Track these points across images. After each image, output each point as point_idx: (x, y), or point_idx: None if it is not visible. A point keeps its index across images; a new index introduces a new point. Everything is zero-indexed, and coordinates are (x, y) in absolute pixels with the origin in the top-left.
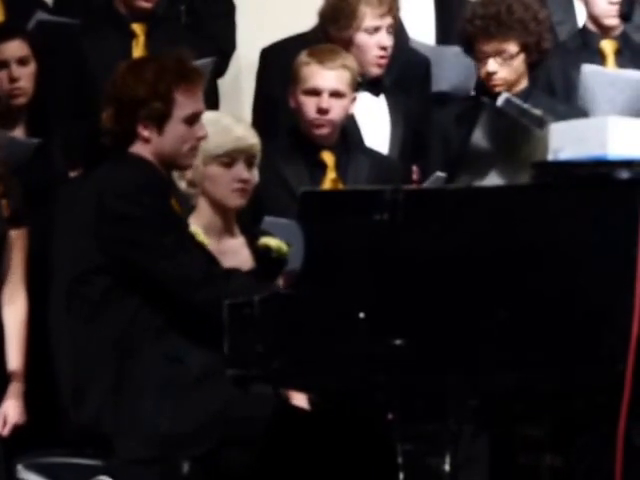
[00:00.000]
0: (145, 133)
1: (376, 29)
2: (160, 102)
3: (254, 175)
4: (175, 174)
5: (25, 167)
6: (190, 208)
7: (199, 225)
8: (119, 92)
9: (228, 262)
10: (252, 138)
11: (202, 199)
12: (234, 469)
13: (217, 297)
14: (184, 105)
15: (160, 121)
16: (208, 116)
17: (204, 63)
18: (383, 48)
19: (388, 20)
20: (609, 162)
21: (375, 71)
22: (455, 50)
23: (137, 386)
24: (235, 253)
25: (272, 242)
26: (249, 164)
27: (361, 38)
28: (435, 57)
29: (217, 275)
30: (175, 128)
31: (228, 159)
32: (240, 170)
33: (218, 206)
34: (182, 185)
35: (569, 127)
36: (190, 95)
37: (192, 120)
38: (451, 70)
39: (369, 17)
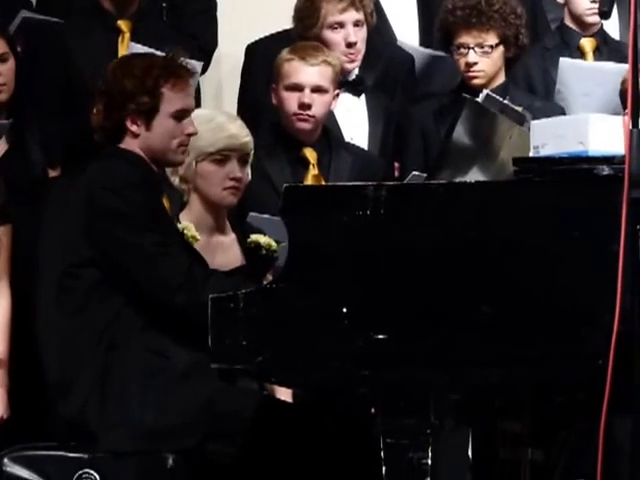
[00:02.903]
0: (133, 128)
1: (340, 24)
2: (148, 96)
3: (246, 173)
4: (168, 170)
5: (3, 163)
6: (182, 204)
7: (190, 222)
8: (108, 87)
9: (219, 258)
10: (245, 136)
11: (194, 196)
12: (219, 463)
13: (195, 301)
14: (172, 100)
15: (148, 116)
16: (203, 113)
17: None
18: (350, 44)
19: (352, 14)
20: (590, 158)
21: (349, 67)
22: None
23: (122, 380)
24: (226, 250)
25: (262, 239)
26: (242, 162)
27: (327, 35)
28: (425, 61)
29: (196, 279)
30: (163, 123)
31: (221, 157)
32: (233, 168)
33: (210, 203)
34: (175, 181)
35: (550, 123)
36: (178, 91)
37: (180, 116)
38: (441, 74)
39: (331, 13)
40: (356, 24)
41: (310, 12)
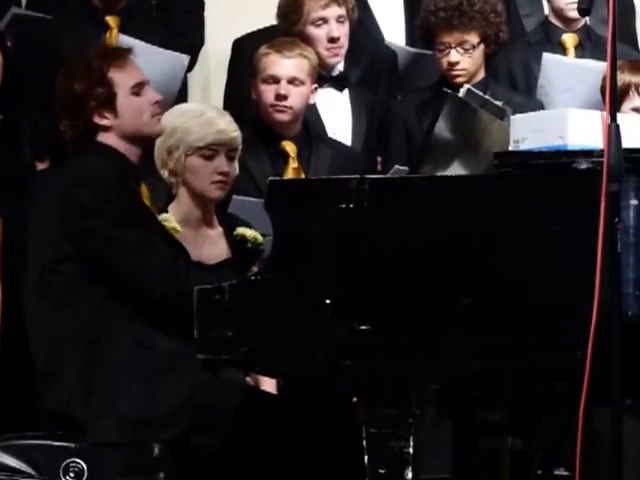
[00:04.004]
0: (103, 122)
1: (323, 20)
2: (100, 87)
3: (234, 168)
4: (157, 163)
5: None
6: (171, 197)
7: (178, 215)
8: (64, 99)
9: (206, 251)
10: (234, 132)
11: (182, 189)
12: (203, 453)
13: (177, 294)
14: (123, 80)
15: (110, 104)
16: (193, 108)
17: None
18: (333, 38)
19: (335, 10)
20: (569, 152)
21: (332, 62)
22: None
23: (107, 371)
24: (213, 243)
25: (248, 233)
26: (230, 157)
27: (310, 31)
28: (412, 60)
29: (178, 271)
30: (126, 103)
31: (209, 152)
32: (221, 163)
33: (198, 197)
34: (164, 174)
35: (530, 118)
36: (124, 69)
37: (138, 90)
38: (428, 73)
39: (313, 9)
40: (339, 19)
41: (294, 9)
